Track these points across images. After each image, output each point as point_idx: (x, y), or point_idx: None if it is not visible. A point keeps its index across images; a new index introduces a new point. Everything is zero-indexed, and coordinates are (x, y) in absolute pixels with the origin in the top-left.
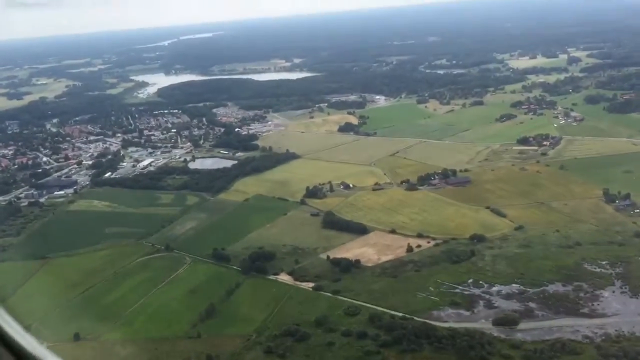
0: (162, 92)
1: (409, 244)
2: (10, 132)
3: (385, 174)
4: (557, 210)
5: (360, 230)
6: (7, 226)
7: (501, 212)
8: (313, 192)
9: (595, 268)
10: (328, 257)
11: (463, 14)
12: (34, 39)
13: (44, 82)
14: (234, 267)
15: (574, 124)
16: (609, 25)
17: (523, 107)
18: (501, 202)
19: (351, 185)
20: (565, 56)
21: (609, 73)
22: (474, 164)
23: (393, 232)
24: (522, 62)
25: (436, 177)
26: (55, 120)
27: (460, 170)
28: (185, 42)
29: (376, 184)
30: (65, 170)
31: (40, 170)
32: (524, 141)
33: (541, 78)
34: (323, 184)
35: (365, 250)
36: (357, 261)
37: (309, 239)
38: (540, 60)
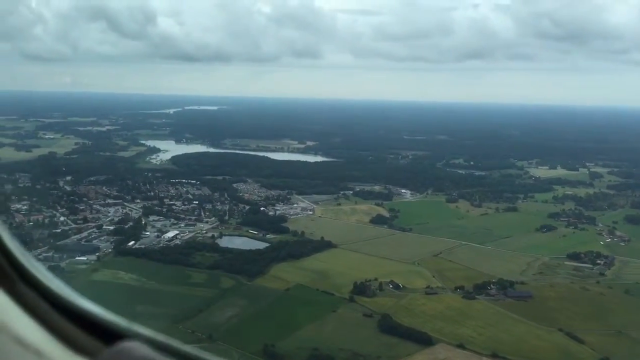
0: (176, 160)
1: None
2: (22, 185)
3: (434, 277)
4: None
5: (424, 340)
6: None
7: (577, 336)
8: (361, 289)
9: None
10: None
11: (464, 115)
12: (38, 92)
13: (52, 136)
14: None
15: (622, 243)
16: (618, 142)
17: (562, 219)
18: (574, 325)
19: (401, 285)
20: (585, 170)
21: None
22: (527, 276)
23: (462, 346)
24: (542, 172)
25: (492, 286)
26: (68, 178)
27: (517, 283)
28: (191, 112)
29: (428, 287)
30: (85, 234)
31: (59, 231)
32: (574, 257)
33: (568, 190)
34: (369, 280)
35: None
36: None
37: (368, 344)
38: (561, 172)
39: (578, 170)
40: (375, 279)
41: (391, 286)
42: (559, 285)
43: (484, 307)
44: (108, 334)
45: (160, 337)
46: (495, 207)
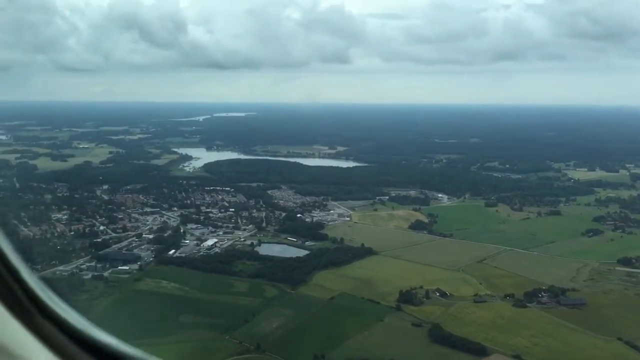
0: (208, 167)
1: None
2: (60, 194)
3: (480, 284)
4: None
5: (478, 351)
6: (72, 302)
7: (638, 346)
8: (407, 297)
9: None
10: None
11: (495, 117)
12: (71, 101)
13: (86, 146)
14: None
15: None
16: None
17: (607, 222)
18: (633, 334)
19: (448, 293)
20: (625, 172)
21: None
22: (578, 282)
23: (518, 357)
24: (581, 174)
25: (544, 294)
26: (105, 187)
27: (568, 290)
28: (220, 119)
29: (476, 295)
30: (125, 243)
31: (99, 240)
32: (626, 262)
33: (610, 193)
34: (415, 288)
35: None
36: None
37: (420, 355)
38: (600, 174)
39: (618, 172)
40: (421, 287)
41: (438, 294)
42: (613, 292)
43: (537, 316)
44: None
45: None
46: (537, 211)
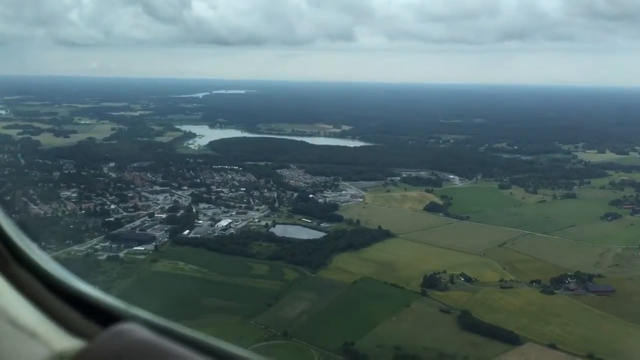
0: (214, 145)
1: None
2: (67, 172)
3: (504, 269)
4: None
5: (511, 339)
6: (89, 282)
7: None
8: (432, 282)
9: None
10: None
11: (500, 98)
12: (70, 77)
13: (87, 122)
14: None
15: None
16: None
17: (625, 206)
18: None
19: (472, 278)
20: (636, 154)
21: None
22: (603, 268)
23: (553, 346)
24: (591, 156)
25: (570, 280)
26: (111, 165)
27: (595, 276)
28: (219, 96)
29: (502, 280)
30: (138, 222)
31: (112, 219)
32: None
33: (623, 175)
34: (438, 272)
35: None
36: None
37: (451, 343)
38: (610, 156)
39: (628, 154)
40: (444, 271)
41: (462, 279)
42: (639, 278)
43: (567, 303)
44: (104, 317)
45: (158, 320)
46: (552, 194)
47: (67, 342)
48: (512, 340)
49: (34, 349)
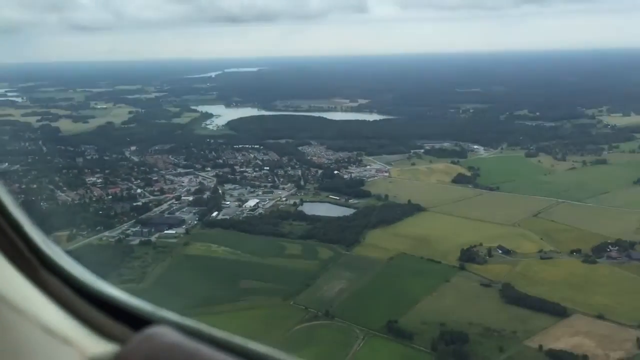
0: (232, 125)
1: (638, 338)
2: (90, 157)
3: (542, 239)
4: None
5: (557, 311)
6: (125, 269)
7: None
8: (470, 256)
9: None
10: (541, 347)
11: (517, 64)
12: (83, 61)
13: (104, 106)
14: (422, 349)
15: None
16: None
17: None
18: None
19: (510, 251)
20: None
21: None
22: None
23: (601, 317)
24: (617, 119)
25: (611, 248)
26: (133, 148)
27: (637, 243)
28: (232, 74)
29: (540, 251)
30: (166, 206)
31: (140, 204)
32: None
33: None
34: (475, 245)
35: (581, 341)
36: (585, 357)
37: (497, 318)
38: (636, 119)
39: None
40: (481, 244)
41: (500, 251)
42: None
43: (611, 272)
44: (135, 320)
45: (188, 322)
46: (582, 160)
47: (100, 347)
48: (559, 312)
49: (69, 355)
